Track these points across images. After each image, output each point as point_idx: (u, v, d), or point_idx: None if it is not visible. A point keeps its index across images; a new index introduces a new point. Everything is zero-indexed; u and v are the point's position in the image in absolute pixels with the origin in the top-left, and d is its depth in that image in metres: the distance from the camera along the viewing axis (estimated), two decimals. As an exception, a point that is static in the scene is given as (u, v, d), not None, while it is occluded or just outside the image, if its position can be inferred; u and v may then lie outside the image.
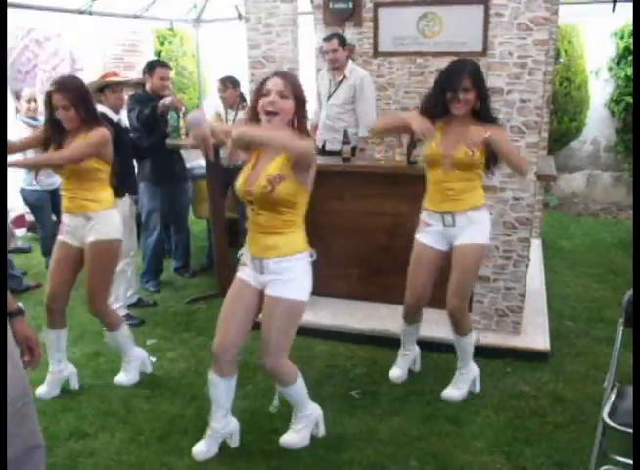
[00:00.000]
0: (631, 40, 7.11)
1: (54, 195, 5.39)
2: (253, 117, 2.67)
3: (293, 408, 3.05)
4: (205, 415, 3.34)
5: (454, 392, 3.44)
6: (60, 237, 3.52)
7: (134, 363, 3.73)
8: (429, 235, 3.34)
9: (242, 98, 5.64)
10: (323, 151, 5.34)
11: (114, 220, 3.50)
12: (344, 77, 5.29)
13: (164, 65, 5.10)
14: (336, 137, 5.19)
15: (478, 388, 3.51)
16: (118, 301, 4.49)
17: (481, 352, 3.79)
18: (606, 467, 2.53)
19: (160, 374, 3.82)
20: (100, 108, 4.20)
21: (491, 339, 3.92)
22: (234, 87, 5.61)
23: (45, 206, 5.42)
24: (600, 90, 7.51)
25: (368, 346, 4.01)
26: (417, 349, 3.74)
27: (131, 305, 4.71)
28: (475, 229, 3.25)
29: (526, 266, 3.92)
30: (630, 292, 2.59)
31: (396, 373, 3.65)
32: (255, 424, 3.26)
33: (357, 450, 3.01)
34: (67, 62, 7.03)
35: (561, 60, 6.96)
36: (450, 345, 3.53)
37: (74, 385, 3.67)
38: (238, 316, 2.81)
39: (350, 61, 5.46)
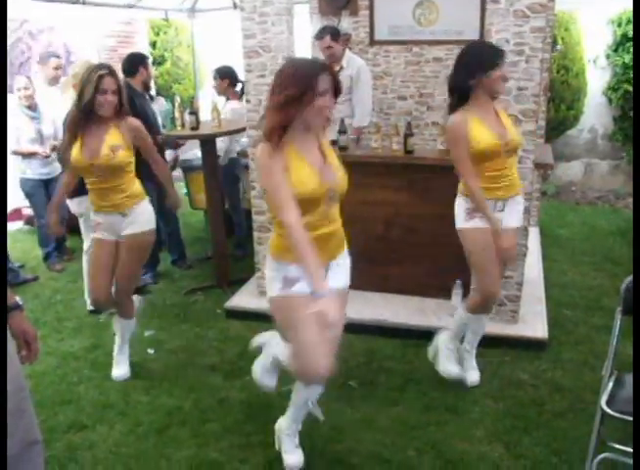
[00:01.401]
0: (629, 27, 7.08)
1: (50, 184, 5.40)
2: (282, 122, 2.34)
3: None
4: (203, 406, 3.36)
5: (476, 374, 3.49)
6: (95, 235, 3.51)
7: (124, 356, 3.74)
8: (483, 220, 3.15)
9: (242, 90, 5.61)
10: None
11: (147, 211, 3.49)
12: (341, 68, 5.26)
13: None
14: (333, 127, 5.16)
15: None
16: None
17: (480, 342, 3.79)
18: (604, 455, 2.53)
19: (158, 366, 3.82)
20: None
21: (489, 328, 3.88)
22: (221, 78, 5.56)
23: (39, 194, 5.38)
24: (597, 78, 7.48)
25: (366, 336, 4.00)
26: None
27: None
28: (519, 211, 3.29)
29: (524, 255, 3.92)
30: (628, 279, 2.59)
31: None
32: (254, 415, 3.27)
33: (355, 440, 3.01)
34: (60, 54, 6.99)
35: (558, 47, 6.93)
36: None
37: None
38: (318, 337, 2.45)
39: (347, 51, 5.43)
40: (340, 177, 2.48)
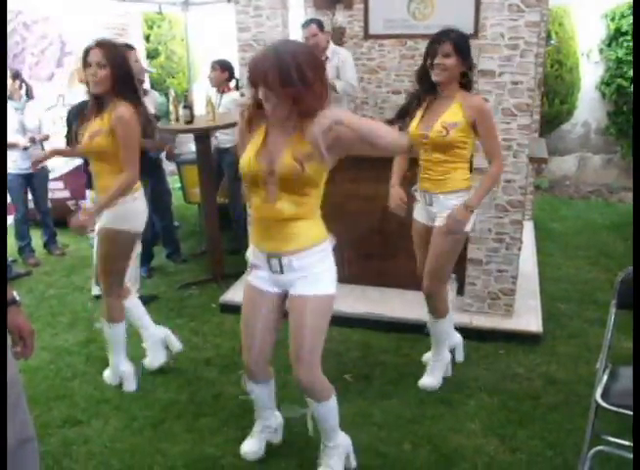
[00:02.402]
0: (622, 22, 7.08)
1: (31, 179, 5.39)
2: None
3: (321, 436, 2.73)
4: (198, 401, 3.35)
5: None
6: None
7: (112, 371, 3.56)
8: (417, 210, 3.33)
9: (237, 85, 5.60)
10: None
11: (122, 209, 3.16)
12: (327, 58, 5.26)
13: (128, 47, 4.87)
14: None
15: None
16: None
17: (474, 335, 3.81)
18: (599, 448, 2.54)
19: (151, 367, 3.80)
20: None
21: (484, 321, 3.93)
22: (222, 70, 5.56)
23: (18, 189, 5.35)
24: (591, 72, 7.49)
25: (361, 329, 4.01)
26: (456, 335, 3.64)
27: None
28: (449, 211, 3.11)
29: (519, 249, 3.92)
30: (623, 273, 2.59)
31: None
32: (249, 409, 3.25)
33: (351, 434, 2.98)
34: (56, 46, 6.94)
35: (552, 42, 6.93)
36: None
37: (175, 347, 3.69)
38: (258, 330, 2.54)
39: (331, 43, 5.44)
40: (281, 161, 2.25)
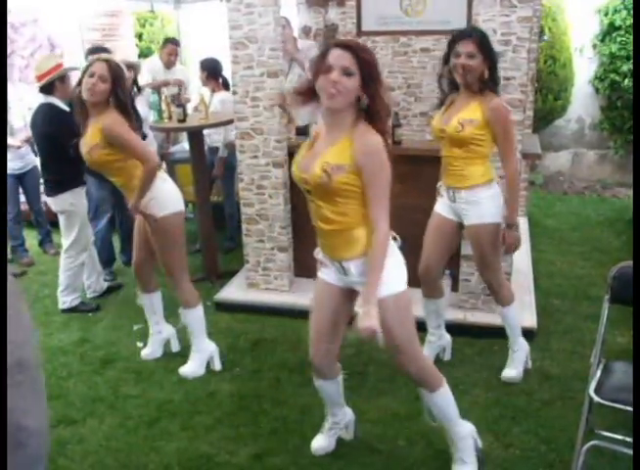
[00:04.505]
0: (615, 16, 7.08)
1: (23, 178, 5.39)
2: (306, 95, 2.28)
3: (446, 429, 2.69)
4: (193, 399, 3.35)
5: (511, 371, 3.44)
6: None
7: (198, 355, 3.62)
8: (439, 204, 3.33)
9: (225, 83, 5.59)
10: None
11: (160, 194, 3.32)
12: (297, 51, 5.30)
13: (101, 52, 4.84)
14: (301, 112, 5.16)
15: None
16: (76, 291, 4.49)
17: (469, 331, 3.81)
18: (593, 442, 2.54)
19: (147, 359, 3.80)
20: (52, 100, 4.22)
21: (478, 318, 3.93)
22: (202, 70, 5.60)
23: (9, 188, 5.29)
24: (584, 68, 7.49)
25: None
26: (446, 336, 3.64)
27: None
28: (480, 208, 3.16)
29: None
30: (615, 268, 2.60)
31: None
32: (244, 407, 3.27)
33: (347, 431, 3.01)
34: (45, 48, 6.91)
35: (545, 37, 6.92)
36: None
37: (175, 347, 3.82)
38: (326, 324, 2.55)
39: (298, 39, 5.51)
40: (312, 171, 2.26)
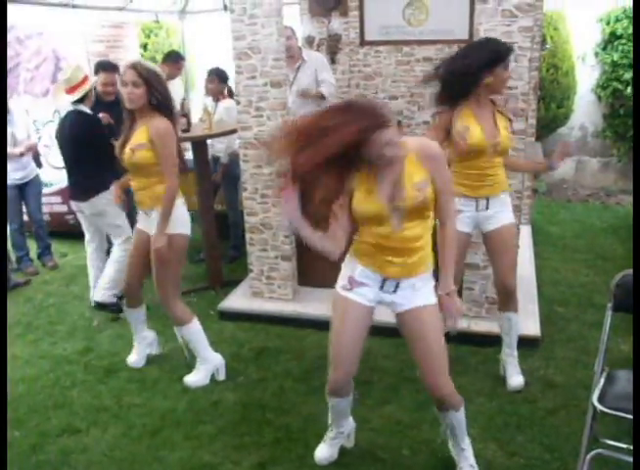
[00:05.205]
0: (617, 25, 7.09)
1: (24, 189, 5.41)
2: None
3: (454, 442, 2.74)
4: (196, 408, 3.35)
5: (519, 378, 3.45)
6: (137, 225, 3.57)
7: (204, 366, 3.62)
8: (460, 221, 3.16)
9: (230, 92, 5.62)
10: None
11: (174, 215, 3.37)
12: (303, 61, 5.31)
13: (109, 68, 5.00)
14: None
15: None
16: (116, 287, 4.50)
17: (473, 340, 3.81)
18: (597, 451, 2.54)
19: (151, 368, 3.81)
20: (81, 107, 4.37)
21: (482, 326, 3.92)
22: (219, 81, 5.60)
23: (13, 200, 5.34)
24: (587, 76, 7.50)
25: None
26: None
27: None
28: (507, 210, 3.31)
29: (516, 253, 3.92)
30: (618, 276, 2.60)
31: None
32: (248, 416, 3.27)
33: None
34: (50, 61, 6.92)
35: (547, 46, 6.95)
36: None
37: (155, 350, 3.91)
38: (355, 348, 2.56)
39: (303, 49, 5.53)
40: (404, 195, 2.34)
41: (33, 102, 6.31)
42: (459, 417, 2.62)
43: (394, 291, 2.46)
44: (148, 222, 3.42)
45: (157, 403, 3.42)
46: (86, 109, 4.41)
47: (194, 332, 3.57)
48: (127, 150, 3.26)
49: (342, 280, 2.53)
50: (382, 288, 2.47)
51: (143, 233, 3.47)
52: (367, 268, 2.45)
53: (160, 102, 3.24)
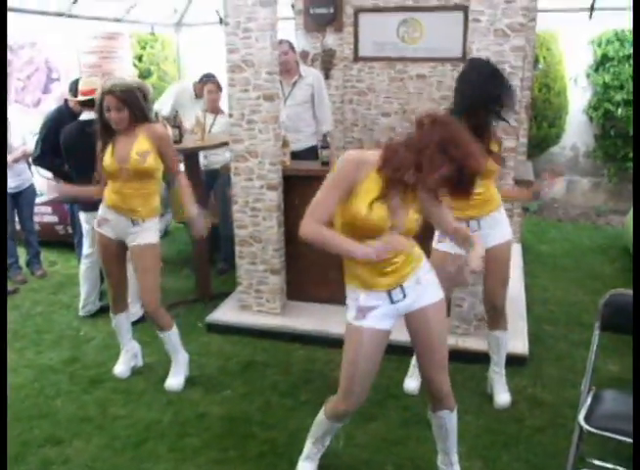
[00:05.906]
0: (608, 48, 7.18)
1: (18, 198, 5.39)
2: None
3: (443, 447, 2.75)
4: (182, 420, 3.32)
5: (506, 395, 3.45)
6: (98, 229, 3.58)
7: (180, 368, 3.73)
8: (444, 243, 3.21)
9: None
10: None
11: (154, 227, 3.55)
12: (300, 76, 5.29)
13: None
14: (298, 137, 5.20)
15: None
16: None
17: (460, 357, 3.79)
18: (582, 470, 2.54)
19: (137, 379, 3.78)
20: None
21: (470, 343, 3.92)
22: (218, 89, 5.63)
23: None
24: (578, 97, 7.58)
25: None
26: None
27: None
28: (501, 228, 3.27)
29: (508, 271, 3.93)
30: (607, 296, 2.60)
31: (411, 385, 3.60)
32: (233, 429, 3.24)
33: (334, 456, 2.99)
34: (42, 72, 6.93)
35: (540, 66, 7.02)
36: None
37: (139, 362, 3.93)
38: (369, 376, 2.55)
39: (301, 64, 5.53)
40: (408, 220, 2.39)
41: (24, 112, 6.30)
42: (453, 420, 2.62)
43: (404, 296, 2.43)
44: (123, 230, 3.48)
45: (141, 415, 3.39)
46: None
47: (176, 335, 3.73)
48: (135, 156, 3.35)
49: (350, 312, 2.49)
50: (392, 301, 2.44)
51: (107, 239, 3.54)
52: (369, 292, 2.43)
53: (144, 117, 3.41)
